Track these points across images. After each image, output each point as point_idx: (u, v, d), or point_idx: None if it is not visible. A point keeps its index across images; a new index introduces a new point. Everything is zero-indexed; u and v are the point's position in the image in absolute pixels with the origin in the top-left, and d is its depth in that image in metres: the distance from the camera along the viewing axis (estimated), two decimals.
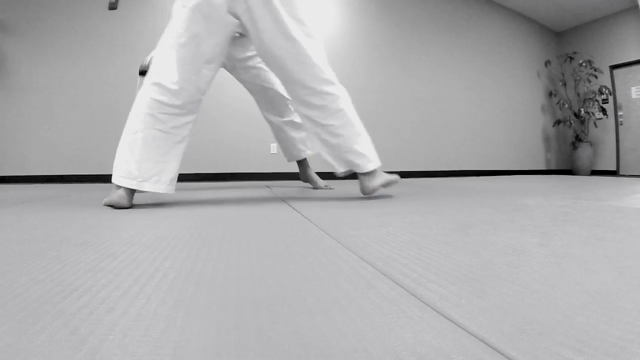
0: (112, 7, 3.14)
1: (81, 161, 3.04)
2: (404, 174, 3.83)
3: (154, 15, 3.28)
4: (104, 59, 3.13)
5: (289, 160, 2.01)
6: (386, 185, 1.31)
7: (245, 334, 0.27)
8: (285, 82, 1.27)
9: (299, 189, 1.92)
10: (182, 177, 3.21)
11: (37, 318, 0.30)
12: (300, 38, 1.18)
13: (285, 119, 1.86)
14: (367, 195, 1.33)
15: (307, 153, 1.95)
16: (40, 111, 2.99)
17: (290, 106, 1.82)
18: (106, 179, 3.03)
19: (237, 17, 1.18)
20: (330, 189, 1.90)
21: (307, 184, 2.15)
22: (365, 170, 1.27)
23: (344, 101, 1.26)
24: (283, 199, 1.37)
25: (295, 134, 1.89)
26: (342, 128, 1.25)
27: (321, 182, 1.98)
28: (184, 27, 1.13)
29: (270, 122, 1.90)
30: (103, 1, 3.16)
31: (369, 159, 1.27)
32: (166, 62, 1.15)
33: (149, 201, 1.29)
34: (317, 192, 1.70)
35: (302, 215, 0.91)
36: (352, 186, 2.10)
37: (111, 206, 1.11)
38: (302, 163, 2.01)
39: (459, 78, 4.42)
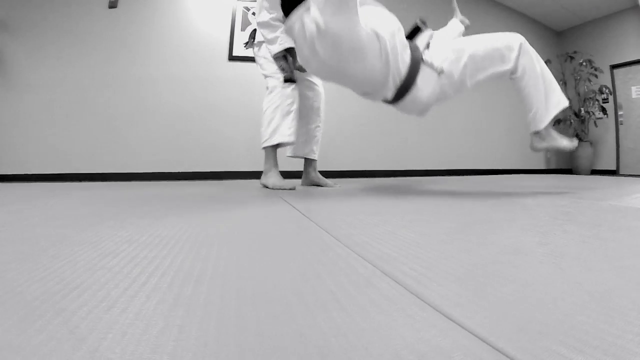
0: (112, 5, 3.13)
1: (80, 160, 3.03)
2: (404, 173, 3.83)
3: (155, 14, 3.27)
4: (104, 58, 3.12)
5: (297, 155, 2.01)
6: (553, 148, 1.54)
7: (245, 333, 0.27)
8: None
9: (298, 188, 1.92)
10: (181, 176, 3.20)
11: (37, 316, 0.30)
12: None
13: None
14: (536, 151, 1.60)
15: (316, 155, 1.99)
16: (40, 110, 2.98)
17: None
18: (105, 178, 3.03)
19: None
20: (333, 186, 1.91)
21: (312, 187, 2.14)
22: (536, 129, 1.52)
23: None
24: (283, 198, 1.37)
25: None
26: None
27: (329, 181, 1.97)
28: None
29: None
30: (103, 0, 3.15)
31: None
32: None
33: (152, 200, 1.29)
34: (317, 191, 1.70)
35: (302, 214, 0.91)
36: (353, 185, 2.10)
37: None
38: (310, 164, 2.00)
39: None
